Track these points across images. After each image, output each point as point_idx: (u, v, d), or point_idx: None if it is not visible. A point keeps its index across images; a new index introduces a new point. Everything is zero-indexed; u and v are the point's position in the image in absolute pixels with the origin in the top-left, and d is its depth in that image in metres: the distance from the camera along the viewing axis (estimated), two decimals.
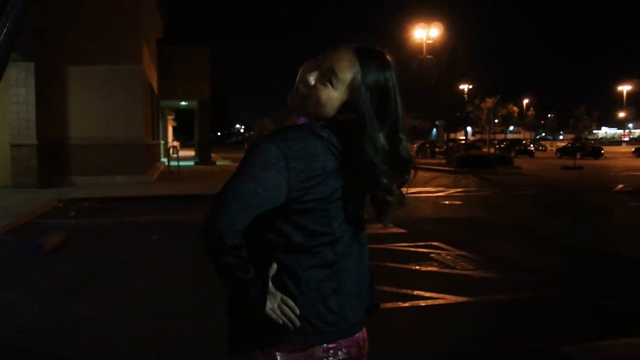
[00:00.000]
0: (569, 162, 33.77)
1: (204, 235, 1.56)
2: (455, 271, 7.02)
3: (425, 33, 36.19)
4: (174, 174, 23.30)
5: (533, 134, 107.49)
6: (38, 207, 12.39)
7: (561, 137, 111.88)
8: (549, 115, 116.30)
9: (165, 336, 4.76)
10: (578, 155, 36.94)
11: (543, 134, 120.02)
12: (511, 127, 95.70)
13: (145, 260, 7.69)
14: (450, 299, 5.83)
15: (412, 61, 37.98)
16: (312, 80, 1.66)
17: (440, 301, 5.76)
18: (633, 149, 54.06)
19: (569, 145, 52.49)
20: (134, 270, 7.13)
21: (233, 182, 1.56)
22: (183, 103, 35.84)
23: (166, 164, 26.29)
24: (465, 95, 41.48)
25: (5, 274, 6.43)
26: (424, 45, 36.71)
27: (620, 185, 19.93)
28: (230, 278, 1.60)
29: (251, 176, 1.55)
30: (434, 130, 66.64)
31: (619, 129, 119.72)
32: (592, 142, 71.69)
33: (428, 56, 37.42)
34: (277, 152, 1.55)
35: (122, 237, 9.47)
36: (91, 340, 4.69)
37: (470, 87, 41.54)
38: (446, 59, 37.55)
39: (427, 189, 17.88)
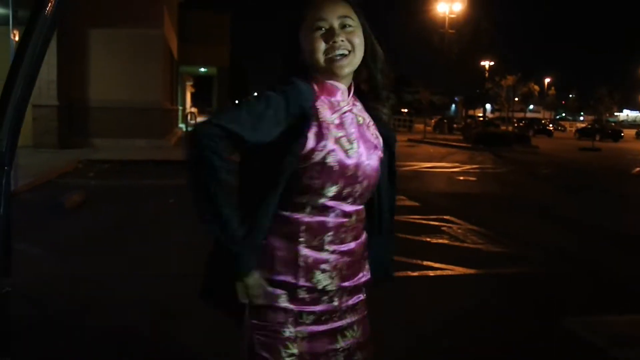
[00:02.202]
0: (588, 143, 33.52)
1: (192, 132, 1.58)
2: (466, 245, 7.12)
3: (448, 6, 35.75)
4: None
5: (553, 113, 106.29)
6: (58, 167, 12.63)
7: (581, 118, 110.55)
8: (570, 96, 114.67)
9: (176, 292, 4.93)
10: (597, 137, 36.66)
11: (563, 114, 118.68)
12: (531, 106, 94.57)
13: (162, 222, 7.88)
14: (458, 270, 5.95)
15: (433, 35, 37.63)
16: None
17: (449, 272, 5.89)
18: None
19: (589, 126, 51.97)
20: (150, 231, 7.32)
21: None
22: (202, 69, 35.86)
23: (184, 129, 26.48)
24: (486, 72, 41.12)
25: (27, 230, 6.62)
26: (447, 19, 36.30)
27: (638, 169, 19.82)
28: (208, 186, 1.58)
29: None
30: (453, 106, 66.21)
31: None
32: (613, 124, 70.82)
33: (450, 31, 37.03)
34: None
35: (140, 199, 9.67)
36: (107, 295, 4.87)
37: (492, 63, 41.18)
38: (468, 34, 37.15)
39: (442, 164, 17.91)
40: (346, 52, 1.69)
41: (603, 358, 3.99)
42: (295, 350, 1.72)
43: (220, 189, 1.57)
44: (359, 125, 1.76)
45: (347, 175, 1.68)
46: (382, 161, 1.81)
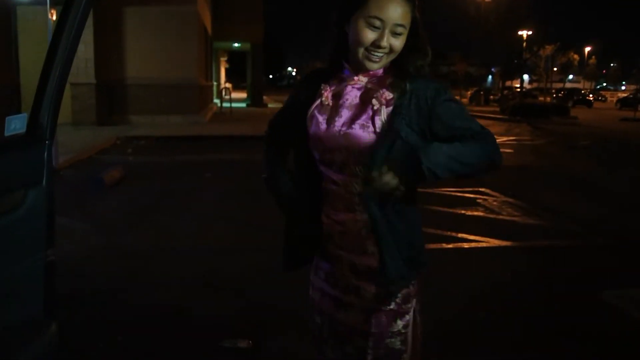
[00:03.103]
0: (629, 113, 32.66)
1: None
2: (501, 217, 7.08)
3: None
4: (227, 115, 23.64)
5: (593, 83, 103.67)
6: (97, 144, 12.89)
7: (623, 87, 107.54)
8: (612, 65, 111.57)
9: (217, 267, 5.04)
10: (639, 107, 35.64)
11: (604, 84, 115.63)
12: (570, 76, 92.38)
13: (199, 197, 8.01)
14: (493, 242, 5.93)
15: (469, 5, 36.94)
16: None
17: (484, 244, 5.87)
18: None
19: (630, 96, 50.54)
20: (188, 206, 7.45)
21: None
22: (236, 45, 35.90)
23: (219, 105, 26.66)
24: (524, 42, 40.20)
25: (68, 205, 6.81)
26: None
27: None
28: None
29: None
30: (490, 77, 65.09)
31: None
32: None
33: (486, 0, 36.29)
34: None
35: (177, 174, 9.83)
36: (149, 269, 5.00)
37: (529, 33, 40.20)
38: (505, 3, 36.33)
39: None
40: (383, 55, 1.75)
41: None
42: (311, 293, 2.01)
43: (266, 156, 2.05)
44: (356, 98, 1.81)
45: (322, 142, 1.81)
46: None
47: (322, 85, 1.87)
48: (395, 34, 1.73)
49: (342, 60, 1.84)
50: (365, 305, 1.85)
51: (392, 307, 1.84)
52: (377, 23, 1.71)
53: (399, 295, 1.84)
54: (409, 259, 1.82)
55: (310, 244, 1.95)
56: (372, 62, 1.75)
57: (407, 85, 1.75)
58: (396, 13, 1.70)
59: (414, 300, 1.88)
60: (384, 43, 1.71)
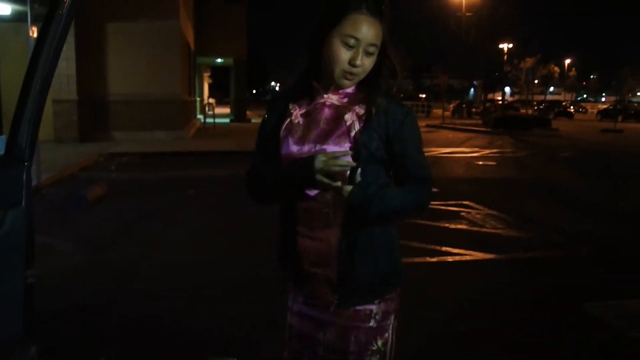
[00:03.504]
0: (609, 124, 33.07)
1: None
2: (484, 229, 7.12)
3: None
4: (210, 131, 23.63)
5: (574, 95, 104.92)
6: (79, 161, 12.80)
7: (603, 99, 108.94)
8: (592, 77, 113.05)
9: (201, 282, 5.01)
10: (619, 118, 36.14)
11: (584, 96, 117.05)
12: (551, 88, 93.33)
13: (183, 213, 7.97)
14: (477, 255, 5.95)
15: (450, 19, 37.32)
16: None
17: (467, 257, 5.90)
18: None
19: (610, 107, 51.22)
20: (171, 222, 7.41)
21: None
22: (219, 60, 35.94)
23: (202, 120, 26.63)
24: (505, 55, 40.66)
25: (51, 223, 6.75)
26: (463, 1, 35.98)
27: None
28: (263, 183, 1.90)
29: None
30: (472, 90, 65.67)
31: None
32: (636, 104, 69.72)
33: (467, 13, 36.70)
34: None
35: (161, 190, 9.78)
36: (132, 286, 4.96)
37: (510, 46, 40.67)
38: (486, 17, 36.77)
39: (461, 149, 17.82)
40: (357, 74, 1.80)
41: (625, 340, 3.98)
42: (289, 320, 1.97)
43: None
44: (329, 115, 1.83)
45: (292, 160, 1.81)
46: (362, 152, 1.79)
47: (291, 105, 1.89)
48: (367, 54, 1.78)
49: (312, 80, 1.86)
50: (344, 323, 1.85)
51: (371, 324, 1.86)
52: (352, 42, 1.76)
53: (378, 312, 1.86)
54: (384, 272, 1.87)
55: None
56: (347, 80, 1.80)
57: (383, 100, 1.81)
58: (370, 33, 1.76)
59: (392, 317, 1.90)
60: (359, 62, 1.77)
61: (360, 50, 1.76)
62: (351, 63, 1.77)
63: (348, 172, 1.74)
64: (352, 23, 1.75)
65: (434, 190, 1.90)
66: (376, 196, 1.73)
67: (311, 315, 1.91)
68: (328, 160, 1.71)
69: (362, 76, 1.82)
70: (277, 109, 1.92)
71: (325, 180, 1.72)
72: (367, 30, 1.75)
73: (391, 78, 1.87)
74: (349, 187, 1.73)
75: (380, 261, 1.85)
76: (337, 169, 1.72)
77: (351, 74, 1.79)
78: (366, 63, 1.79)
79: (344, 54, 1.76)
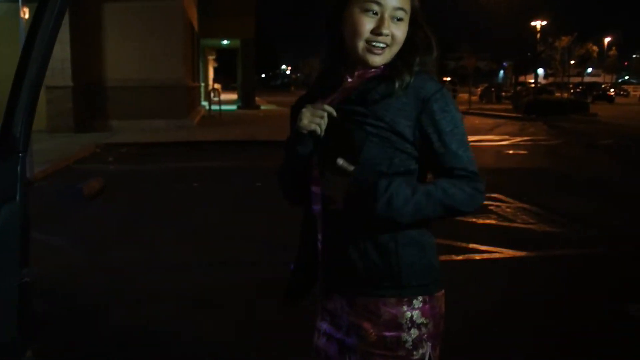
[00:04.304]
0: None
1: None
2: (515, 224, 7.10)
3: None
4: (216, 119, 23.68)
5: (615, 77, 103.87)
6: (75, 152, 12.90)
7: None
8: (634, 56, 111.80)
9: (201, 282, 5.05)
10: None
11: (626, 77, 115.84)
12: (589, 69, 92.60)
13: (185, 209, 8.01)
14: (507, 253, 5.94)
15: None
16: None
17: (497, 255, 5.89)
18: None
19: None
20: (173, 218, 7.46)
21: None
22: (225, 42, 35.98)
23: (207, 107, 26.69)
24: (538, 33, 40.29)
25: (45, 220, 6.81)
26: None
27: None
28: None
29: None
30: (501, 72, 65.22)
31: None
32: None
33: None
34: None
35: (162, 184, 9.84)
36: (130, 286, 5.00)
37: (544, 23, 40.28)
38: None
39: (489, 137, 17.73)
40: (384, 46, 1.68)
41: None
42: (315, 340, 1.86)
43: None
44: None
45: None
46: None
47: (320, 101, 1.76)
48: (396, 20, 1.67)
49: (337, 66, 1.76)
50: (366, 350, 1.70)
51: (400, 353, 1.68)
52: (375, 7, 1.65)
53: (410, 340, 1.69)
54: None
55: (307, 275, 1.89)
56: (375, 54, 1.67)
57: (410, 79, 1.65)
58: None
59: (429, 345, 1.73)
60: (386, 30, 1.64)
61: (386, 15, 1.65)
62: (375, 31, 1.65)
63: (325, 118, 1.65)
64: None
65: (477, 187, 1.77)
66: (391, 188, 1.59)
67: (337, 337, 1.79)
68: (313, 112, 1.66)
69: (393, 49, 1.69)
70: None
71: (307, 129, 1.66)
72: None
73: (425, 54, 1.72)
74: (350, 167, 1.60)
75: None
76: (317, 119, 1.64)
77: (378, 46, 1.66)
78: (395, 32, 1.66)
79: (367, 23, 1.65)
